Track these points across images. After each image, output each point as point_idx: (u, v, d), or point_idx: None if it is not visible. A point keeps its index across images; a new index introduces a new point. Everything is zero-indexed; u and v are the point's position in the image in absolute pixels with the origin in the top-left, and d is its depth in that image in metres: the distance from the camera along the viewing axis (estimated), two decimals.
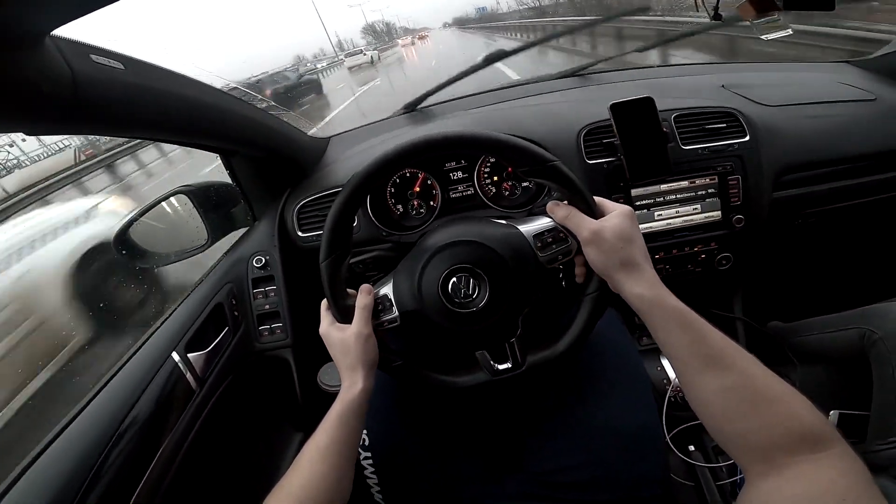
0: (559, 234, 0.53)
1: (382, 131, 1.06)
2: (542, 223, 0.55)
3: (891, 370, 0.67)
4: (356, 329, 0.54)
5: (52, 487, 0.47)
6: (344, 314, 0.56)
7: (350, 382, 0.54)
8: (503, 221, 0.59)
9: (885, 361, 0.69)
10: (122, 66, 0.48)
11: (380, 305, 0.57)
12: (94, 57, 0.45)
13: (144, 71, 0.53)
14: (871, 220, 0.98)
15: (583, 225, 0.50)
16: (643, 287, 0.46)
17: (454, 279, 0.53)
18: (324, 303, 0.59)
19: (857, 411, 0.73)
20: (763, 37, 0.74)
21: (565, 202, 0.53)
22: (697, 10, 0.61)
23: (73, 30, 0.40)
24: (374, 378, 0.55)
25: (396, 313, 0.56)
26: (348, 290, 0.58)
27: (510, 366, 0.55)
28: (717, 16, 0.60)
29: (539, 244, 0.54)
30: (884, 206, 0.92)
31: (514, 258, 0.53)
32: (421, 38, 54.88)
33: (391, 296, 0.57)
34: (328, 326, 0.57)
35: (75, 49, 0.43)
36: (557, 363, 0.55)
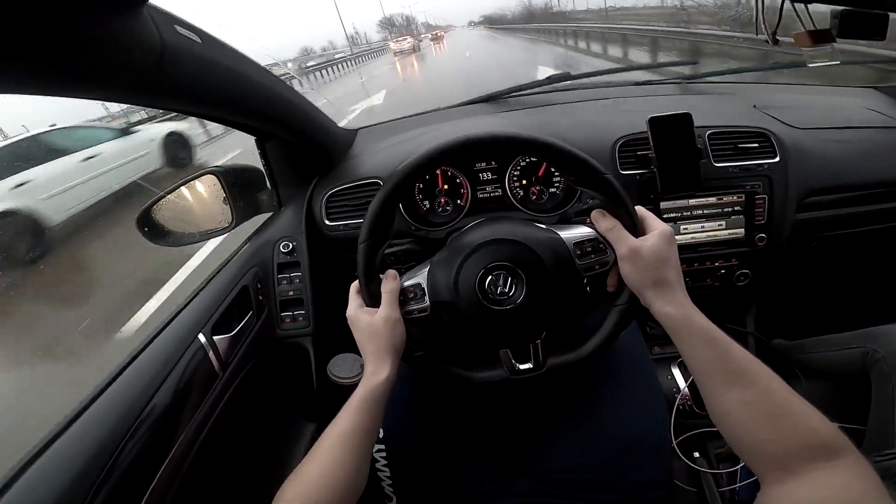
0: (599, 244, 0.54)
1: (410, 127, 1.05)
2: (584, 232, 0.56)
3: (891, 388, 0.71)
4: (385, 313, 0.54)
5: (69, 470, 0.47)
6: (373, 299, 0.56)
7: (375, 368, 0.54)
8: (543, 226, 0.59)
9: (885, 379, 0.72)
10: (199, 40, 0.48)
11: (411, 294, 0.57)
12: (178, 28, 0.45)
13: (218, 47, 0.53)
14: (883, 245, 1.01)
15: (623, 241, 0.51)
16: (673, 307, 0.48)
17: (492, 276, 0.54)
18: (354, 285, 0.58)
19: (853, 425, 0.76)
20: (810, 64, 0.75)
21: (609, 214, 0.54)
22: (757, 34, 0.62)
23: None
24: (397, 366, 0.55)
25: (427, 303, 0.56)
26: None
27: (531, 366, 0.56)
28: (774, 40, 0.61)
29: (578, 252, 0.55)
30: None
31: (553, 262, 0.54)
32: (435, 38, 43.50)
33: (424, 285, 0.57)
34: (356, 309, 0.57)
35: (164, 18, 0.43)
36: (577, 368, 0.56)
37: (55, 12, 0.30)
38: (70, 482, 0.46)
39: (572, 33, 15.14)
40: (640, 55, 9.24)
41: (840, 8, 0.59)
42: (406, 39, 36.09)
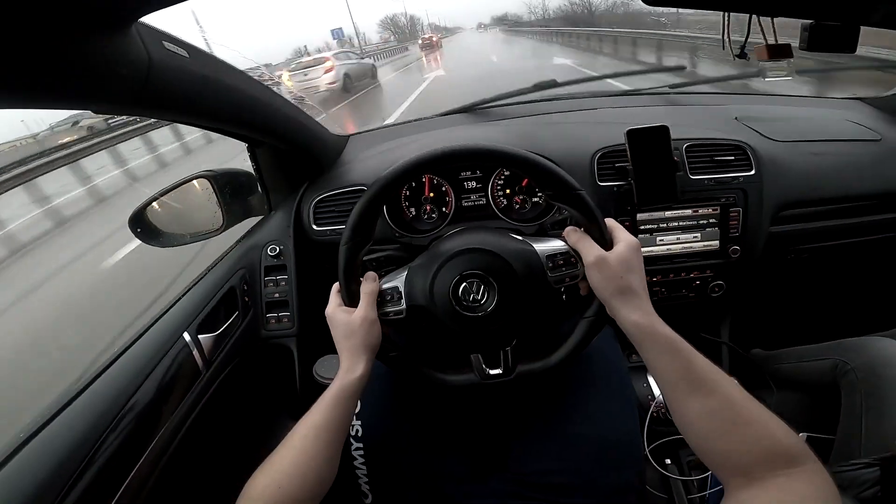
0: (570, 258, 0.57)
1: (400, 135, 1.07)
2: (556, 245, 0.58)
3: (859, 399, 0.72)
4: (363, 313, 0.56)
5: (49, 462, 0.48)
6: (352, 299, 0.58)
7: (349, 365, 0.55)
8: (519, 237, 0.62)
9: (854, 390, 0.74)
10: (187, 55, 0.50)
11: (388, 296, 0.59)
12: (165, 44, 0.47)
13: (205, 61, 0.55)
14: (860, 258, 1.02)
15: (591, 251, 0.53)
16: (638, 315, 0.49)
17: (466, 283, 0.56)
18: (335, 286, 0.61)
19: (824, 435, 0.78)
20: (765, 78, 0.77)
21: (581, 228, 0.57)
22: (723, 49, 0.64)
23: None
24: (372, 364, 0.57)
25: (404, 306, 0.59)
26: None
27: (500, 372, 0.58)
28: (742, 55, 0.63)
29: (550, 264, 0.57)
30: (874, 247, 0.96)
31: (525, 273, 0.57)
32: (428, 46, 29.30)
33: (402, 289, 0.59)
34: (335, 308, 0.59)
35: (152, 35, 0.45)
36: (546, 375, 0.59)
37: (43, 30, 0.32)
38: (50, 472, 0.48)
39: (585, 37, 15.45)
40: (646, 57, 9.26)
41: (809, 21, 0.61)
42: (432, 38, 33.83)
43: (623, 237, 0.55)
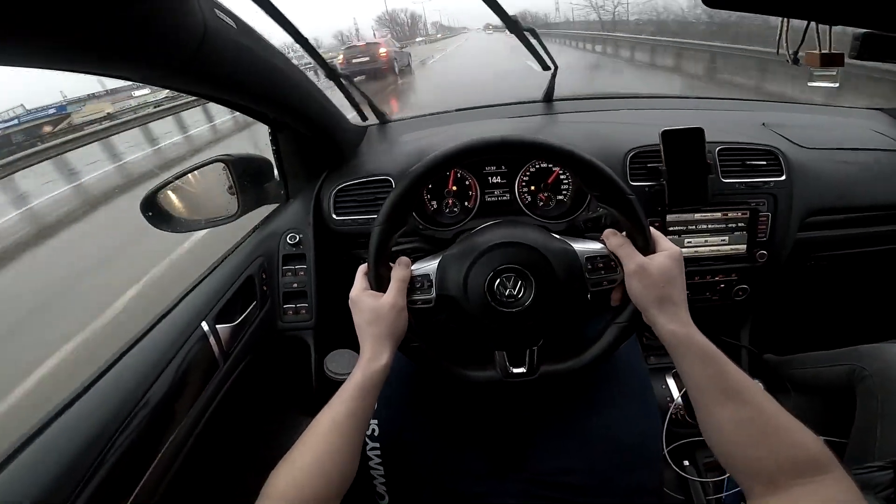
0: (610, 261, 0.55)
1: (418, 127, 1.05)
2: (596, 247, 0.57)
3: (876, 404, 0.73)
4: (391, 299, 0.53)
5: (63, 454, 0.46)
6: (380, 283, 0.55)
7: (373, 354, 0.53)
8: (558, 236, 0.60)
9: (871, 396, 0.75)
10: (234, 26, 0.48)
11: (418, 284, 0.57)
12: (217, 12, 0.45)
13: (250, 34, 0.53)
14: (879, 267, 1.03)
15: (633, 258, 0.52)
16: (676, 325, 0.49)
17: (502, 277, 0.54)
18: (361, 268, 0.58)
19: (835, 438, 0.78)
20: (810, 84, 0.76)
21: (622, 232, 0.55)
22: (777, 53, 0.63)
23: None
24: (394, 354, 0.54)
25: (433, 295, 0.56)
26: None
27: (524, 371, 0.57)
28: (795, 60, 0.62)
29: (590, 266, 0.55)
30: (893, 256, 0.97)
31: (564, 272, 0.55)
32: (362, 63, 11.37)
33: (433, 277, 0.57)
34: (361, 292, 0.56)
35: (206, 2, 0.43)
36: (569, 377, 0.57)
37: None
38: (65, 466, 0.45)
39: (602, 41, 14.75)
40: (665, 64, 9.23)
41: (862, 31, 0.60)
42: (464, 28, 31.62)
43: (666, 246, 0.54)
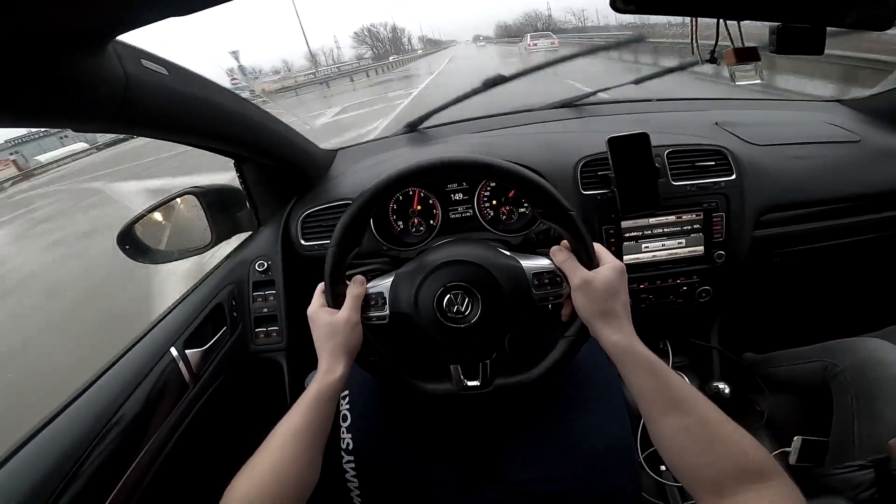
0: (556, 277, 0.57)
1: (386, 149, 1.09)
2: (543, 263, 0.59)
3: (850, 400, 0.73)
4: (346, 315, 0.56)
5: (33, 476, 0.48)
6: (336, 301, 0.58)
7: (329, 366, 0.55)
8: (507, 252, 0.62)
9: (844, 392, 0.75)
10: (166, 72, 0.51)
11: (372, 301, 0.59)
12: (143, 62, 0.47)
13: (186, 78, 0.55)
14: (845, 260, 1.03)
15: (577, 273, 0.54)
16: (619, 336, 0.51)
17: (451, 294, 0.57)
18: (319, 286, 0.61)
19: (820, 437, 0.78)
20: (736, 83, 0.79)
21: (567, 247, 0.57)
22: (693, 54, 0.66)
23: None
24: (350, 367, 0.57)
25: (387, 312, 0.59)
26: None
27: (478, 384, 0.59)
28: (712, 59, 0.64)
29: (536, 282, 0.58)
30: (859, 248, 0.97)
31: (510, 288, 0.57)
32: None
33: (386, 295, 0.60)
34: (318, 308, 0.59)
35: (130, 53, 0.45)
36: (524, 390, 0.59)
37: (15, 52, 0.32)
38: (35, 484, 0.48)
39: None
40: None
41: (776, 24, 0.62)
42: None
43: (609, 260, 0.56)
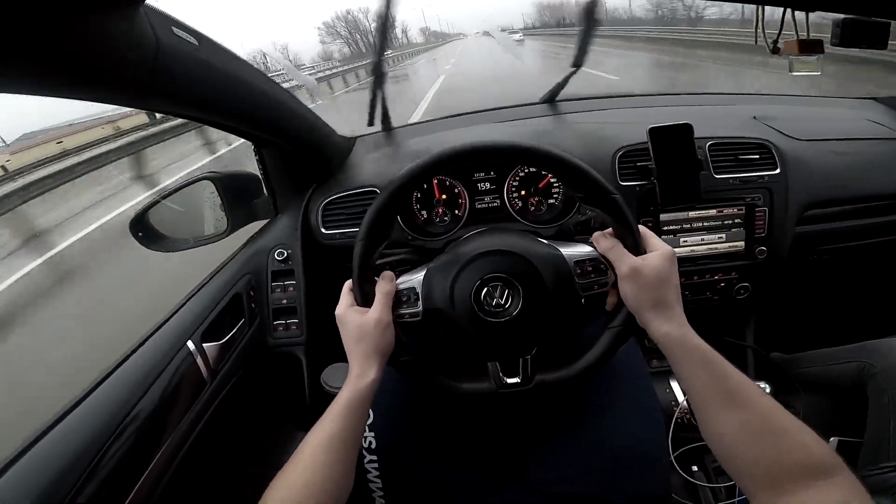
0: (600, 264, 0.54)
1: (409, 136, 1.05)
2: (585, 250, 0.55)
3: (886, 400, 0.71)
4: (377, 315, 0.53)
5: (50, 471, 0.47)
6: (366, 299, 0.55)
7: (361, 371, 0.52)
8: (545, 241, 0.59)
9: (881, 393, 0.73)
10: (196, 43, 0.48)
11: (404, 297, 0.56)
12: (175, 30, 0.44)
13: (216, 50, 0.52)
14: (883, 259, 1.00)
15: (624, 260, 0.51)
16: (671, 327, 0.48)
17: (489, 287, 0.53)
18: (347, 284, 0.57)
19: (854, 438, 0.76)
20: (792, 73, 0.75)
21: (611, 233, 0.54)
22: (756, 43, 0.62)
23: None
24: (383, 370, 0.54)
25: (420, 308, 0.55)
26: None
27: (519, 381, 0.55)
28: (775, 49, 0.61)
29: (579, 270, 0.54)
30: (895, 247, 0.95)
31: (552, 279, 0.54)
32: None
33: (419, 290, 0.56)
34: (347, 308, 0.55)
35: (161, 20, 0.43)
36: (566, 386, 0.56)
37: (48, 11, 0.30)
38: (52, 481, 0.46)
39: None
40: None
41: (842, 16, 0.59)
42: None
43: (658, 246, 0.52)
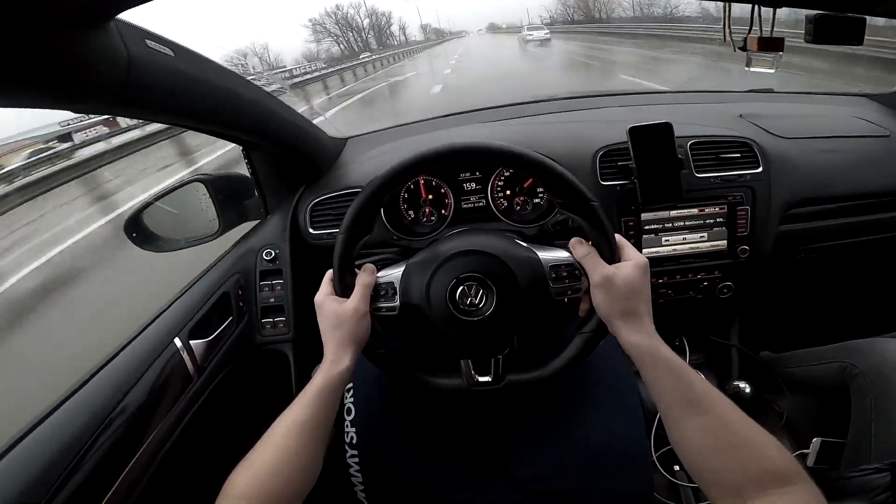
0: (574, 270, 0.55)
1: (400, 136, 1.06)
2: (561, 256, 0.56)
3: (868, 402, 0.71)
4: (354, 304, 0.54)
5: (34, 467, 0.48)
6: (345, 290, 0.56)
7: (335, 358, 0.53)
8: (524, 244, 0.60)
9: (863, 394, 0.73)
10: (172, 54, 0.49)
11: (382, 291, 0.57)
12: (148, 42, 0.45)
13: (192, 60, 0.53)
14: (868, 258, 1.00)
15: (597, 269, 0.52)
16: (640, 337, 0.49)
17: (464, 286, 0.54)
18: (328, 273, 0.59)
19: (838, 439, 0.76)
20: (747, 68, 0.75)
21: (588, 242, 0.55)
22: (724, 41, 0.62)
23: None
24: (357, 358, 0.55)
25: (397, 303, 0.57)
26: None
27: (489, 379, 0.56)
28: (743, 48, 0.61)
29: (554, 275, 0.55)
30: (883, 245, 0.94)
31: (527, 281, 0.55)
32: None
33: (397, 285, 0.57)
34: (326, 296, 0.56)
35: (133, 32, 0.43)
36: (536, 387, 0.57)
37: (16, 26, 0.31)
38: (37, 474, 0.47)
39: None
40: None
41: (814, 12, 0.59)
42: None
43: (631, 256, 0.53)
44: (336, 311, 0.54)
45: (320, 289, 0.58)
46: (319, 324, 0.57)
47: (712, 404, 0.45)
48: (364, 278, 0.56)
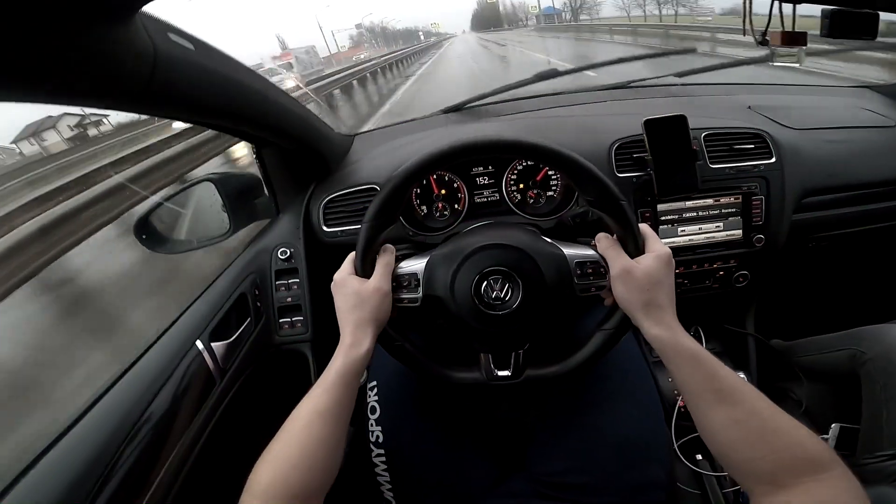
0: (600, 268, 0.54)
1: (408, 132, 1.05)
2: (586, 252, 0.56)
3: (879, 389, 0.71)
4: (376, 283, 0.53)
5: (67, 476, 0.47)
6: (365, 272, 0.55)
7: (354, 339, 0.52)
8: (548, 240, 0.59)
9: (874, 381, 0.73)
10: (192, 48, 0.48)
11: (405, 282, 0.57)
12: (171, 35, 0.44)
13: (211, 54, 0.52)
14: (877, 245, 1.01)
15: (618, 261, 0.52)
16: (661, 329, 0.49)
17: (490, 279, 0.54)
18: (350, 255, 0.58)
19: (856, 425, 0.76)
20: (772, 63, 0.76)
21: (613, 236, 0.54)
22: (744, 35, 0.62)
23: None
24: (376, 340, 0.54)
25: (421, 294, 0.56)
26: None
27: (509, 374, 0.56)
28: (763, 41, 0.61)
29: (579, 272, 0.55)
30: (890, 234, 0.96)
31: (552, 276, 0.54)
32: None
33: (420, 276, 0.57)
34: (346, 275, 0.55)
35: (157, 26, 0.42)
36: (555, 381, 0.57)
37: (44, 21, 0.30)
38: (69, 485, 0.46)
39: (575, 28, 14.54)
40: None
41: (830, 7, 0.60)
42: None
43: (655, 248, 0.53)
44: (357, 290, 0.53)
45: (342, 267, 0.57)
46: (337, 304, 0.55)
47: (740, 394, 0.44)
48: (385, 258, 0.56)
